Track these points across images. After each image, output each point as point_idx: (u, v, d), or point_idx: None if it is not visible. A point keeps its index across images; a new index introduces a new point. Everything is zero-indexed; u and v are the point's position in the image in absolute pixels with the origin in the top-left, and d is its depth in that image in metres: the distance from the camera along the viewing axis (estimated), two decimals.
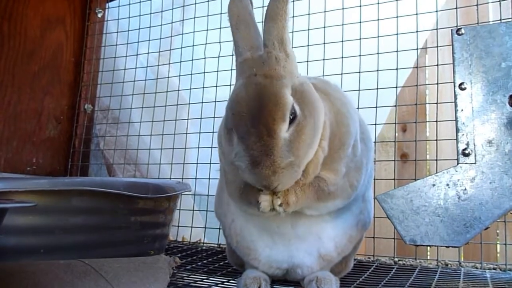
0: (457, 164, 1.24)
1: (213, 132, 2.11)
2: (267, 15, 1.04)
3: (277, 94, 0.97)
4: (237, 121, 0.98)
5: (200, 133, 2.22)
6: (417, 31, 1.84)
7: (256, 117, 0.95)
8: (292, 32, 1.84)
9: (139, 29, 2.54)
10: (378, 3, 1.93)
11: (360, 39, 1.93)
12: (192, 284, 1.31)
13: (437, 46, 1.86)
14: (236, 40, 1.09)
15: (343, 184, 1.14)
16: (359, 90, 1.88)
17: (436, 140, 1.79)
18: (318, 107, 1.06)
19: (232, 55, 2.15)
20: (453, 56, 1.30)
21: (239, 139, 0.98)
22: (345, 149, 1.12)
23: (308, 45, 2.02)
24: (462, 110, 1.27)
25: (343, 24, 1.97)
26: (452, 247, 1.21)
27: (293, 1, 2.09)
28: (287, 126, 0.97)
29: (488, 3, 1.87)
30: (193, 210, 2.21)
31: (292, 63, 1.06)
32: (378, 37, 1.90)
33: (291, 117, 0.98)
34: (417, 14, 1.85)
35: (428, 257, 2.02)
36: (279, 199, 1.02)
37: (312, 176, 1.07)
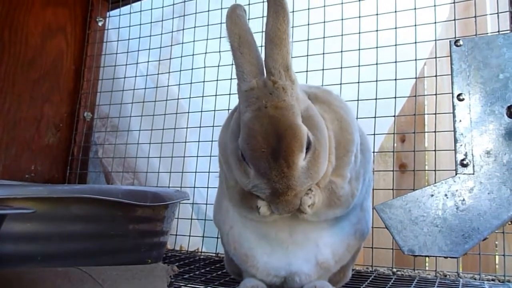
0: (456, 174, 1.24)
1: (212, 141, 2.12)
2: (269, 39, 1.03)
3: (293, 126, 0.98)
4: (257, 157, 0.98)
5: (199, 141, 2.23)
6: (415, 42, 1.85)
7: (276, 151, 0.96)
8: (292, 42, 1.84)
9: (139, 38, 2.55)
10: (377, 14, 1.94)
11: (359, 49, 1.94)
12: None
13: (435, 57, 1.87)
14: (239, 64, 1.07)
15: (348, 190, 1.16)
16: (358, 100, 1.89)
17: (435, 150, 1.79)
18: (324, 128, 1.07)
19: (232, 64, 2.16)
20: (451, 67, 1.31)
21: (259, 174, 0.99)
22: (350, 156, 1.14)
23: (307, 55, 2.03)
24: (460, 120, 1.27)
25: (342, 35, 1.98)
26: (450, 257, 1.21)
27: (292, 12, 2.10)
28: (304, 155, 1.00)
29: (486, 15, 1.88)
30: (191, 219, 2.21)
31: (296, 88, 1.06)
32: (377, 47, 1.91)
33: (307, 146, 1.00)
34: (415, 25, 1.86)
35: (427, 268, 2.01)
36: (311, 199, 1.04)
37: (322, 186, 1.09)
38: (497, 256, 2.09)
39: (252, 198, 1.06)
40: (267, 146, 0.96)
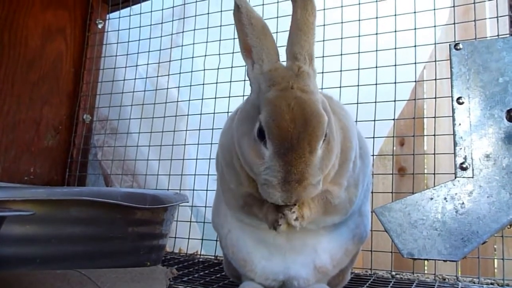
0: (455, 178, 1.25)
1: (211, 143, 2.11)
2: (297, 27, 1.05)
3: (318, 111, 0.98)
4: (282, 135, 0.95)
5: (198, 144, 2.23)
6: (415, 46, 1.85)
7: (301, 134, 0.95)
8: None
9: (139, 40, 2.55)
10: (377, 18, 1.94)
11: (359, 52, 1.94)
12: None
13: (435, 61, 1.87)
14: (260, 47, 1.07)
15: (344, 198, 1.15)
16: (357, 103, 1.89)
17: (434, 154, 1.79)
18: (333, 126, 1.07)
19: (232, 67, 2.16)
20: (451, 70, 1.31)
21: (277, 154, 0.96)
22: (348, 164, 1.13)
23: None
24: (460, 124, 1.27)
25: (342, 38, 1.99)
26: (449, 261, 1.21)
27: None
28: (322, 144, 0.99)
29: (485, 19, 1.89)
30: (190, 221, 2.20)
31: (315, 80, 1.08)
32: (377, 51, 1.91)
33: (326, 133, 1.00)
34: (415, 29, 1.86)
35: (426, 271, 2.01)
36: (294, 214, 1.02)
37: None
38: (496, 260, 2.09)
39: (259, 207, 1.07)
40: (293, 127, 0.95)
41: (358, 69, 1.93)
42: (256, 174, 1.01)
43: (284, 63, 1.09)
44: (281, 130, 0.95)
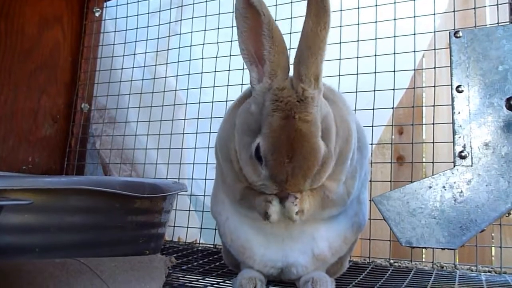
0: (454, 166, 1.25)
1: (209, 132, 2.11)
2: (306, 45, 1.01)
3: (316, 147, 1.00)
4: (278, 168, 0.99)
5: (197, 133, 2.22)
6: (414, 34, 1.85)
7: (297, 168, 0.99)
8: (290, 33, 1.84)
9: (136, 28, 2.54)
10: (376, 6, 1.93)
11: (358, 41, 1.93)
12: (187, 284, 1.30)
13: (434, 49, 1.86)
14: (275, 63, 1.04)
15: (342, 192, 1.16)
16: (356, 92, 1.88)
17: (433, 142, 1.79)
18: (334, 140, 1.07)
19: (230, 55, 2.15)
20: (450, 58, 1.30)
21: (273, 180, 1.01)
22: (347, 162, 1.13)
23: None
24: (459, 112, 1.27)
25: (341, 26, 1.97)
26: (447, 249, 1.22)
27: (292, 2, 2.09)
28: None
29: (485, 6, 1.87)
30: (189, 210, 2.21)
31: (321, 96, 1.06)
32: (376, 39, 1.90)
33: None
34: (415, 16, 1.85)
35: (424, 259, 2.02)
36: (296, 207, 1.04)
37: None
38: (493, 248, 2.10)
39: (258, 200, 1.08)
40: (289, 160, 0.98)
41: (357, 57, 1.92)
42: (252, 184, 1.07)
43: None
44: (277, 164, 0.99)
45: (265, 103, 1.03)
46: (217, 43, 2.21)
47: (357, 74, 1.91)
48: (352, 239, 1.29)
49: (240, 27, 1.08)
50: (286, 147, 0.98)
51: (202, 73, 2.28)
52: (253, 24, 1.06)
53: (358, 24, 1.94)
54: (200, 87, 2.27)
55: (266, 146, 1.00)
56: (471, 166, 1.23)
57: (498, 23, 1.66)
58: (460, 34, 1.30)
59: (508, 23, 1.64)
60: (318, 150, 1.00)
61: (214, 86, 2.20)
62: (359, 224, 1.29)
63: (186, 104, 2.35)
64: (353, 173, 1.19)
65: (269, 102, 1.02)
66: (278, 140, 0.98)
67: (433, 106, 1.81)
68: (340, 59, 1.95)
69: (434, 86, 1.82)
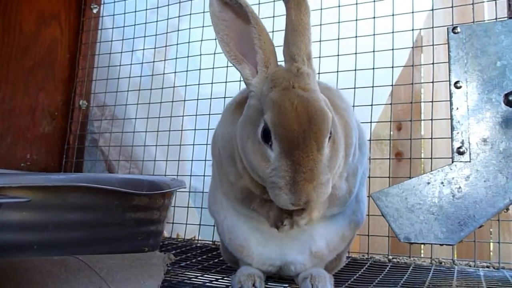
0: (452, 162, 1.25)
1: (208, 129, 2.11)
2: (293, 28, 1.05)
3: (322, 109, 0.97)
4: (288, 135, 0.94)
5: (195, 130, 2.22)
6: (413, 29, 1.84)
7: (307, 132, 0.94)
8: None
9: (134, 25, 2.53)
10: (374, 1, 1.93)
11: (356, 37, 1.93)
12: (186, 281, 1.31)
13: (432, 45, 1.86)
14: (267, 50, 1.07)
15: (345, 190, 1.16)
16: (354, 88, 1.88)
17: (431, 138, 1.79)
18: (337, 124, 1.07)
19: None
20: (448, 54, 1.30)
21: (284, 154, 0.94)
22: (349, 159, 1.13)
23: None
24: (457, 108, 1.27)
25: (339, 22, 1.97)
26: (446, 245, 1.22)
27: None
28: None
29: (483, 2, 1.87)
30: (187, 207, 2.21)
31: (315, 78, 1.07)
32: (374, 35, 1.90)
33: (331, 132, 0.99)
34: (413, 12, 1.85)
35: (422, 255, 2.02)
36: (304, 220, 1.03)
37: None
38: (491, 244, 2.11)
39: (263, 206, 1.07)
40: (298, 125, 0.94)
41: (356, 53, 1.92)
42: (262, 178, 1.00)
43: (282, 63, 1.09)
44: (287, 128, 0.94)
45: (263, 89, 1.04)
46: (215, 39, 2.20)
47: (355, 70, 1.91)
48: (350, 237, 1.29)
49: (221, 31, 1.10)
50: (293, 113, 0.95)
51: (200, 69, 2.28)
52: (232, 24, 1.09)
53: (356, 20, 1.94)
54: (199, 84, 2.27)
55: (272, 116, 0.96)
56: (470, 162, 1.23)
57: (496, 18, 1.65)
58: (459, 29, 1.30)
59: (506, 18, 1.63)
60: (325, 112, 0.97)
61: (212, 83, 2.20)
62: (357, 222, 1.29)
63: (185, 100, 2.35)
64: (354, 171, 1.20)
65: (267, 85, 1.04)
66: (283, 108, 0.96)
67: (432, 102, 1.81)
68: (338, 55, 1.95)
69: (433, 82, 1.82)
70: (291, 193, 0.93)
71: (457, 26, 1.31)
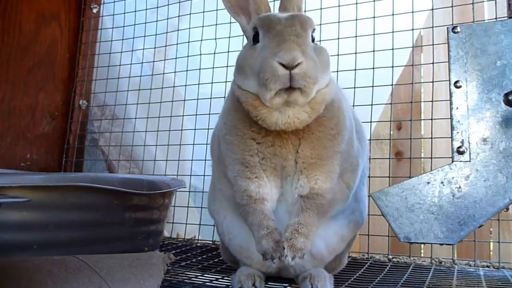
0: (452, 162, 1.25)
1: (208, 128, 2.11)
2: None
3: (305, 16, 1.10)
4: (273, 21, 1.04)
5: (195, 129, 2.22)
6: (412, 29, 1.84)
7: (290, 19, 1.05)
8: None
9: (134, 24, 2.53)
10: (374, 1, 1.93)
11: (356, 36, 1.93)
12: (186, 280, 1.31)
13: (432, 44, 1.86)
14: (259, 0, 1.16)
15: (340, 188, 1.16)
16: (354, 87, 1.88)
17: (431, 138, 1.79)
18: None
19: (228, 51, 2.15)
20: (448, 54, 1.30)
21: (271, 39, 1.02)
22: (338, 157, 1.13)
23: None
24: (457, 108, 1.27)
25: (339, 22, 1.97)
26: (446, 244, 1.22)
27: None
28: (311, 38, 1.08)
29: (483, 1, 1.87)
30: (187, 207, 2.21)
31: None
32: (374, 34, 1.90)
33: (313, 36, 1.09)
34: (413, 12, 1.85)
35: (422, 255, 2.02)
36: (289, 256, 1.02)
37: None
38: (491, 243, 2.10)
39: (259, 229, 1.08)
40: (284, 18, 1.05)
41: (356, 53, 1.92)
42: (254, 80, 1.03)
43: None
44: (272, 19, 1.05)
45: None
46: (215, 39, 2.21)
47: (355, 69, 1.91)
48: (350, 237, 1.29)
49: None
50: (278, 16, 1.06)
51: (200, 69, 2.28)
52: None
53: (356, 19, 1.94)
54: (199, 83, 2.27)
55: (258, 18, 1.09)
56: (469, 161, 1.23)
57: (496, 18, 1.65)
58: (458, 29, 1.30)
59: (506, 18, 1.63)
60: (307, 17, 1.08)
61: (212, 82, 2.20)
62: (357, 222, 1.29)
63: (185, 100, 2.35)
64: (353, 166, 1.19)
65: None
66: (269, 15, 1.08)
67: (431, 101, 1.81)
68: (338, 55, 1.94)
69: (433, 82, 1.82)
70: (278, 57, 0.97)
71: (457, 26, 1.31)
